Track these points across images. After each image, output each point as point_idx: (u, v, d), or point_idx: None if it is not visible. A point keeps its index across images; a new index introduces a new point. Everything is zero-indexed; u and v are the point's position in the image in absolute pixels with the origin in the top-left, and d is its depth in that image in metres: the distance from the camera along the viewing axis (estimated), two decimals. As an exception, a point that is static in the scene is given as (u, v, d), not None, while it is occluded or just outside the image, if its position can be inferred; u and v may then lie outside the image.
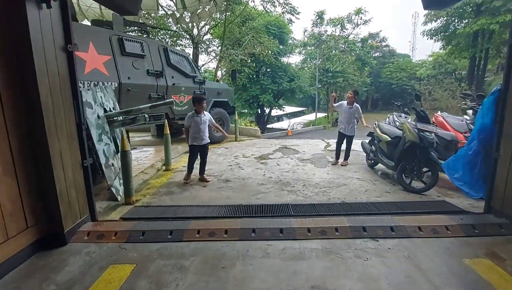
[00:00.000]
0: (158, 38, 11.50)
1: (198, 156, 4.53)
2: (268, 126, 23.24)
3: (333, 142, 8.01)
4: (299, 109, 36.06)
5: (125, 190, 3.57)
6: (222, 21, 12.23)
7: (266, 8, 13.99)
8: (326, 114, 27.05)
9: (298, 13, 15.32)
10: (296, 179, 4.44)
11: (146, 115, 4.20)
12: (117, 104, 4.91)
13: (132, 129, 9.10)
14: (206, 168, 4.62)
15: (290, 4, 14.68)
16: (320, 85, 21.81)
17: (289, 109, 30.72)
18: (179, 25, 11.22)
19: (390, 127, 4.69)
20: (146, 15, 10.24)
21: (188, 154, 4.51)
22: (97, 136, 3.58)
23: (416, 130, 3.73)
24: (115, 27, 6.15)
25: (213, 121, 4.55)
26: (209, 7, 8.78)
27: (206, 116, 4.36)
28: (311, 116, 28.26)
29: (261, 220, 2.83)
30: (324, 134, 14.73)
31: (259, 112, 20.51)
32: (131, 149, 7.42)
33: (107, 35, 5.55)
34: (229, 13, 12.14)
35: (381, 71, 31.85)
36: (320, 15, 23.85)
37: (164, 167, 5.31)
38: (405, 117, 5.60)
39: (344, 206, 3.22)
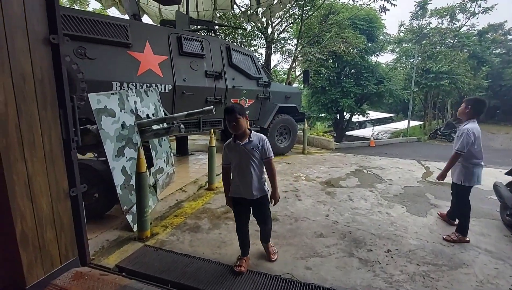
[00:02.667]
0: (231, 40, 11.11)
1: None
2: (348, 132, 20.75)
3: (434, 167, 5.86)
4: (387, 115, 31.46)
5: (138, 223, 2.81)
6: (300, 17, 10.98)
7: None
8: (421, 122, 22.63)
9: (395, -1, 12.42)
10: (375, 235, 2.91)
11: (182, 125, 3.43)
12: (161, 109, 4.32)
13: (196, 132, 8.88)
14: None
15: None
16: (417, 88, 18.08)
17: (374, 114, 26.93)
18: (252, 24, 10.54)
19: None
20: (220, 13, 9.89)
21: None
22: (115, 151, 2.92)
23: None
24: (178, 25, 5.76)
25: (271, 154, 2.22)
26: (283, -2, 7.74)
27: (254, 140, 2.17)
28: (400, 124, 24.09)
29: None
30: (418, 149, 11.58)
31: (338, 117, 18.35)
32: (189, 154, 7.14)
33: (165, 33, 5.12)
34: (309, 7, 10.77)
35: (503, 72, 24.68)
36: (422, 5, 19.90)
37: (207, 185, 4.51)
38: None
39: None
